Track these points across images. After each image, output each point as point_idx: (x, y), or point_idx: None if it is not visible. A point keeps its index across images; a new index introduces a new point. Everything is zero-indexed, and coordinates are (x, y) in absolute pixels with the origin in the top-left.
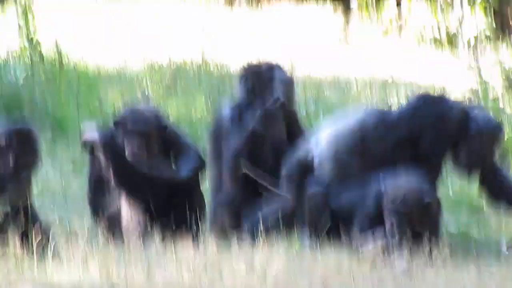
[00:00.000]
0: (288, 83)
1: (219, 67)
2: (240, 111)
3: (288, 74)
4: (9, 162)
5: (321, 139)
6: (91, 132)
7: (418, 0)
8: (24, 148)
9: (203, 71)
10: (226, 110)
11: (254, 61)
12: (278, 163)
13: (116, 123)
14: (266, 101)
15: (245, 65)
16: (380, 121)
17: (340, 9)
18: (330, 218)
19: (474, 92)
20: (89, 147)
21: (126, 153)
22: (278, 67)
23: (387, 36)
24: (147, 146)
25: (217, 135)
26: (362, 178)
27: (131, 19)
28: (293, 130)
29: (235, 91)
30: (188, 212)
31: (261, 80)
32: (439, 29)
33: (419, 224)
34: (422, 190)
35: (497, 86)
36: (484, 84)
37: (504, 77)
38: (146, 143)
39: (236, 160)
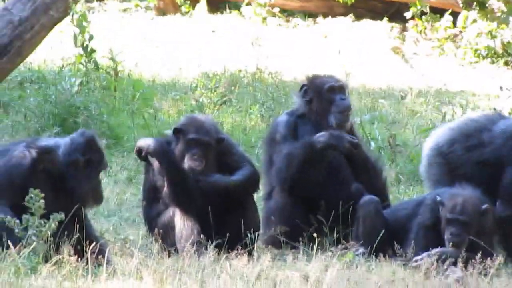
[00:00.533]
0: (347, 108)
1: (273, 76)
2: (296, 121)
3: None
4: (84, 168)
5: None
6: (146, 139)
7: (474, 12)
8: (94, 153)
9: (258, 79)
10: (283, 118)
11: (317, 74)
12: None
13: (175, 131)
14: (324, 118)
15: (308, 76)
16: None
17: (395, 24)
18: (385, 227)
19: None
20: (144, 155)
21: (185, 161)
22: (340, 86)
23: (442, 49)
24: (205, 156)
25: (272, 141)
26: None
27: (185, 32)
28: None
29: (293, 100)
30: (242, 222)
31: (321, 96)
32: (494, 41)
33: (475, 232)
34: (478, 199)
35: None
36: None
37: None
38: (205, 153)
39: (288, 167)
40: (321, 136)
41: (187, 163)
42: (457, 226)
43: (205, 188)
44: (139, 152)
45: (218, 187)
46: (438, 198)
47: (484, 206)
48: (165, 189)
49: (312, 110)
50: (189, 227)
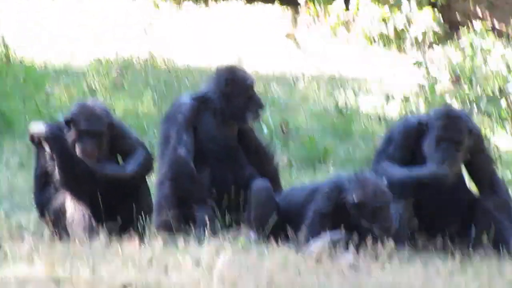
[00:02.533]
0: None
1: (165, 61)
2: (199, 106)
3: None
4: None
5: None
6: (38, 125)
7: None
8: None
9: (150, 66)
10: (187, 100)
11: (235, 66)
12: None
13: (67, 121)
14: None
15: (228, 67)
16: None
17: (288, 8)
18: (279, 214)
19: (421, 88)
20: (36, 140)
21: (77, 151)
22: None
23: (334, 34)
24: (98, 145)
25: (171, 121)
26: None
27: (77, 16)
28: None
29: (203, 86)
30: (134, 208)
31: (243, 91)
32: (386, 26)
33: (372, 219)
34: (380, 187)
35: (444, 81)
36: (431, 79)
37: (451, 73)
38: (97, 142)
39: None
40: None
41: (79, 153)
42: (353, 211)
43: (99, 178)
44: (32, 137)
45: (112, 177)
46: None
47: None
48: (57, 174)
49: (228, 103)
50: (81, 212)
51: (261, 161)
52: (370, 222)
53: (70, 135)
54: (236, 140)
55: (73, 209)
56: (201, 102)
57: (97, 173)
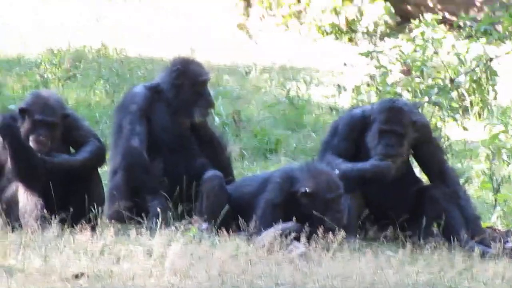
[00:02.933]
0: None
1: (118, 52)
2: (153, 96)
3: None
4: None
5: None
6: None
7: None
8: None
9: (102, 56)
10: (141, 90)
11: (189, 58)
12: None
13: (21, 110)
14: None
15: (182, 59)
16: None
17: None
18: (230, 204)
19: (373, 78)
20: None
21: (30, 141)
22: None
23: (286, 25)
24: (51, 135)
25: (125, 110)
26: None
27: (30, 6)
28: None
29: (156, 76)
30: (86, 198)
31: (193, 86)
32: (338, 17)
33: (324, 210)
34: (333, 179)
35: (395, 72)
36: (382, 69)
37: (402, 64)
38: (51, 133)
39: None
40: None
41: (32, 143)
42: (304, 201)
43: (51, 168)
44: None
45: (64, 167)
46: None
47: (338, 187)
48: (9, 164)
49: (177, 95)
50: (33, 202)
51: (214, 151)
52: (322, 213)
53: (24, 125)
54: (189, 130)
55: (26, 199)
56: (154, 92)
57: (46, 162)
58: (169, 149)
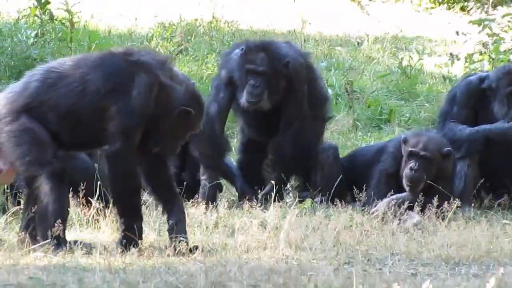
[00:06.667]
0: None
1: (229, 25)
2: None
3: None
4: None
5: None
6: None
7: None
8: None
9: (214, 28)
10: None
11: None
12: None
13: None
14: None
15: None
16: None
17: None
18: (345, 175)
19: (485, 46)
20: None
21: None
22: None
23: None
24: None
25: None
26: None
27: None
28: None
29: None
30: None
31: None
32: None
33: (434, 175)
34: (441, 141)
35: (507, 39)
36: (495, 37)
37: None
38: None
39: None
40: None
41: None
42: (418, 161)
43: None
44: None
45: None
46: (403, 136)
47: (447, 148)
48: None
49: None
50: None
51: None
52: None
53: None
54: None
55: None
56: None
57: None
58: None
